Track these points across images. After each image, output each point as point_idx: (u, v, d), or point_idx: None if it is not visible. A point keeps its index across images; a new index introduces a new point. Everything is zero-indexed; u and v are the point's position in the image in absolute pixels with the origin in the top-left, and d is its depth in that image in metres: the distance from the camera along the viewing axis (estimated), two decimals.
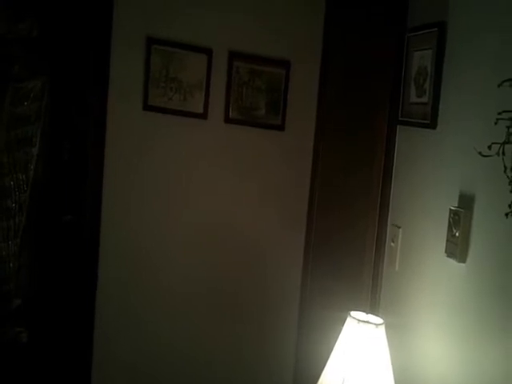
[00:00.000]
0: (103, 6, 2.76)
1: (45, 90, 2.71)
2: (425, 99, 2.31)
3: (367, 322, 2.03)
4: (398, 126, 2.55)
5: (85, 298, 2.78)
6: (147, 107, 2.84)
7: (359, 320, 2.03)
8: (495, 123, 1.73)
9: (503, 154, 1.70)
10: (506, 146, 1.69)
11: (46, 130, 2.72)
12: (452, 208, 2.01)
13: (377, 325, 2.02)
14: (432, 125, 2.24)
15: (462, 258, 1.95)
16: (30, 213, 2.72)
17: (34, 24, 2.84)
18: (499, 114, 1.72)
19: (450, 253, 2.01)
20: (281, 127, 2.99)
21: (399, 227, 2.43)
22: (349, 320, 2.07)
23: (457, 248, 1.96)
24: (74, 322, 2.79)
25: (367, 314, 2.12)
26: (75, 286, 2.78)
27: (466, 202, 1.97)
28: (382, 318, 2.09)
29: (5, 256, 2.63)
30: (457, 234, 1.97)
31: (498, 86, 1.74)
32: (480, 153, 1.76)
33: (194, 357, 3.01)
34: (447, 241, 2.02)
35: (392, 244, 2.46)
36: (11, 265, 2.66)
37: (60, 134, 2.79)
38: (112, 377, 2.92)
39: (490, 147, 1.73)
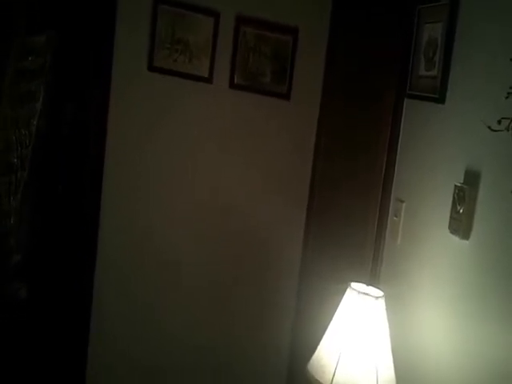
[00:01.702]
0: None
1: (49, 46, 2.67)
2: (434, 73, 2.28)
3: (367, 293, 2.04)
4: (405, 100, 2.53)
5: (85, 258, 2.78)
6: (152, 68, 2.81)
7: (359, 291, 2.04)
8: (506, 97, 1.71)
9: None
10: None
11: (50, 86, 2.68)
12: (457, 184, 2.00)
13: (377, 297, 2.03)
14: (440, 99, 2.21)
15: (466, 235, 1.94)
16: (32, 168, 2.70)
17: None
18: (511, 87, 1.70)
19: (453, 229, 2.00)
20: (286, 96, 2.95)
21: (403, 201, 2.42)
22: (349, 291, 2.07)
23: (460, 225, 1.96)
24: (73, 278, 2.81)
25: (367, 285, 2.12)
26: (75, 243, 2.79)
27: (472, 178, 1.95)
28: (382, 290, 2.10)
29: (6, 211, 2.61)
30: (461, 211, 1.96)
31: (511, 59, 1.72)
32: (489, 127, 1.75)
33: (190, 325, 3.03)
34: (451, 217, 2.01)
35: (395, 218, 2.45)
36: (12, 220, 2.65)
37: (64, 91, 2.76)
38: (110, 334, 2.93)
39: (499, 122, 1.72)
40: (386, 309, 2.04)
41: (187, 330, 3.02)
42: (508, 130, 1.71)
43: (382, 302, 2.03)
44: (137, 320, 2.96)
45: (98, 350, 2.90)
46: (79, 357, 2.83)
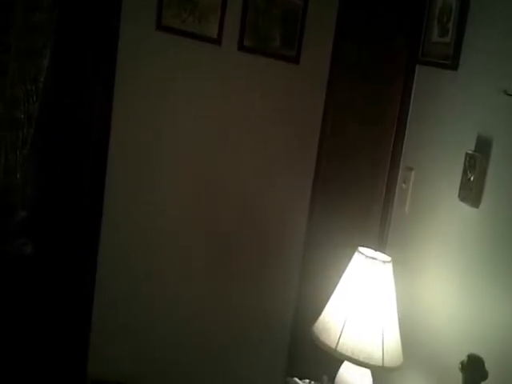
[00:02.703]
0: None
1: (56, 1, 2.63)
2: (447, 39, 2.26)
3: (374, 258, 2.04)
4: (417, 66, 2.50)
5: (90, 216, 2.79)
6: (160, 27, 2.76)
7: (367, 255, 2.04)
8: None
9: None
10: None
11: (57, 42, 2.64)
12: (468, 152, 1.98)
13: (384, 261, 2.03)
14: (453, 66, 2.19)
15: (476, 203, 1.93)
16: (39, 125, 2.67)
17: None
18: None
19: (463, 197, 1.99)
20: (296, 60, 2.91)
21: (412, 169, 2.41)
22: (356, 255, 2.07)
23: (470, 193, 1.94)
24: (78, 234, 2.80)
25: (375, 251, 2.12)
26: (81, 200, 2.79)
27: (483, 146, 1.94)
28: (389, 255, 2.10)
29: (12, 167, 2.59)
30: (471, 179, 1.95)
31: None
32: (505, 91, 1.73)
33: (191, 296, 3.03)
34: (461, 185, 2.00)
35: (403, 185, 2.44)
36: (18, 176, 2.63)
37: (70, 48, 2.72)
38: (114, 296, 2.93)
39: None
40: (393, 274, 2.05)
41: (188, 306, 3.02)
42: None
43: (389, 267, 2.03)
44: (138, 291, 2.96)
45: (103, 310, 2.90)
46: (83, 316, 2.84)
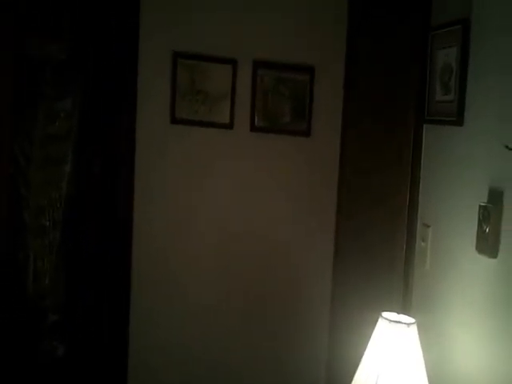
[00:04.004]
0: (129, 26, 2.83)
1: (75, 109, 2.77)
2: (451, 97, 2.30)
3: (399, 321, 2.02)
4: (424, 125, 2.54)
5: (119, 316, 2.84)
6: (175, 120, 2.89)
7: (391, 320, 2.02)
8: None
9: None
10: None
11: (78, 147, 2.77)
12: (481, 204, 1.98)
13: (408, 324, 2.00)
14: (458, 122, 2.22)
15: (493, 254, 1.92)
16: (65, 230, 2.76)
17: (63, 46, 2.91)
18: None
19: (480, 249, 1.98)
20: (306, 133, 2.99)
21: (429, 226, 2.40)
22: (380, 321, 2.05)
23: (487, 244, 1.94)
24: (109, 336, 2.84)
25: (399, 314, 2.10)
26: (110, 303, 2.84)
27: (496, 197, 1.94)
28: (413, 317, 2.07)
29: (40, 272, 2.67)
30: (487, 230, 1.94)
31: None
32: (507, 146, 1.75)
33: (224, 359, 3.05)
34: (477, 237, 1.99)
35: (422, 243, 2.43)
36: (47, 281, 2.70)
37: (91, 151, 2.84)
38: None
39: None
40: (420, 336, 2.01)
41: (218, 360, 3.03)
42: None
43: (413, 329, 2.00)
44: (173, 374, 2.98)
45: None
46: None
